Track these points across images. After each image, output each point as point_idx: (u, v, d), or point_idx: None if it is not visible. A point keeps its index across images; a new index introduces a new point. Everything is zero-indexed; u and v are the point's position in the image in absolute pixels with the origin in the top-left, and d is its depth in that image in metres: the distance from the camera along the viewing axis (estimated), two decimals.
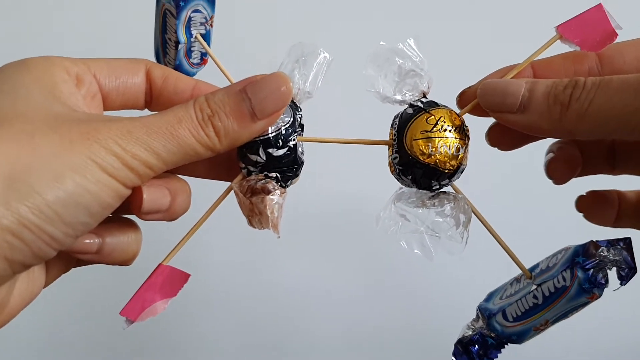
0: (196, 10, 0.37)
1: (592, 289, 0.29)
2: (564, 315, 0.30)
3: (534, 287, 0.31)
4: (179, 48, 0.38)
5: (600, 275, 0.29)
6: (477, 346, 0.33)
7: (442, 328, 0.66)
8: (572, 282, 0.29)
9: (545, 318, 0.31)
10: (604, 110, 0.28)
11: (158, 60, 0.41)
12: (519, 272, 0.34)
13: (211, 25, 0.39)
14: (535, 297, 0.31)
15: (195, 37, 0.39)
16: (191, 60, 0.40)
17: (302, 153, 0.34)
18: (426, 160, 0.32)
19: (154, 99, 0.35)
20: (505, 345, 0.33)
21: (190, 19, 0.37)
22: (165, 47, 0.39)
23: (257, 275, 0.67)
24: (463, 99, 0.35)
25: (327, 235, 0.67)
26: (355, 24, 0.66)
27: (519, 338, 0.32)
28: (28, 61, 0.30)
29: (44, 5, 0.66)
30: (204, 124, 0.29)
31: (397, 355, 0.68)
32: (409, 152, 0.33)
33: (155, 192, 0.30)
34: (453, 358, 0.35)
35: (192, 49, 0.39)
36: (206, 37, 0.39)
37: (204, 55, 0.41)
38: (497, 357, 0.34)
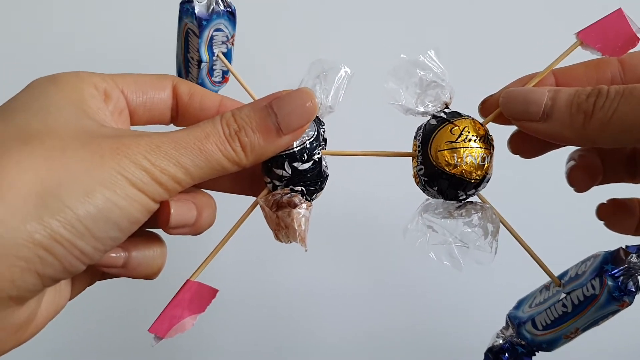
0: (218, 29, 0.38)
1: (622, 296, 0.29)
2: (595, 323, 0.30)
3: (563, 295, 0.31)
4: (201, 67, 0.39)
5: (631, 282, 0.29)
6: (507, 354, 0.33)
7: (447, 329, 0.68)
8: (601, 291, 0.29)
9: (575, 326, 0.30)
10: (628, 119, 0.28)
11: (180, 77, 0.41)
12: (546, 279, 0.34)
13: (232, 44, 0.40)
14: (564, 305, 0.31)
15: (217, 55, 0.39)
16: (213, 78, 0.41)
17: (326, 167, 0.34)
18: (452, 171, 0.32)
19: (180, 115, 0.35)
20: (536, 353, 0.32)
21: (212, 37, 0.38)
22: (188, 65, 0.40)
23: (260, 276, 0.67)
24: (485, 107, 0.35)
25: (331, 236, 0.67)
26: (368, 33, 0.66)
27: (550, 346, 0.32)
28: (57, 77, 0.30)
29: (43, 6, 0.67)
30: (231, 139, 0.29)
31: (401, 356, 0.68)
32: (435, 163, 0.32)
33: (182, 206, 0.31)
34: None
35: (214, 67, 0.40)
36: (228, 55, 0.40)
37: (225, 74, 0.42)
38: None
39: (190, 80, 0.40)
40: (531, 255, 0.32)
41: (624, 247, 0.31)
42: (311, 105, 0.31)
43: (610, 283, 0.29)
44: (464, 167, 0.32)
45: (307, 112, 0.31)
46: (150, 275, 0.33)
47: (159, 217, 0.30)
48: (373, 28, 0.67)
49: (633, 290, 0.29)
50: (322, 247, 0.67)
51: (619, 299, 0.29)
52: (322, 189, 0.34)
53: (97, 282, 0.34)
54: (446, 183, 0.33)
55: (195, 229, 0.32)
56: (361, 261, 0.68)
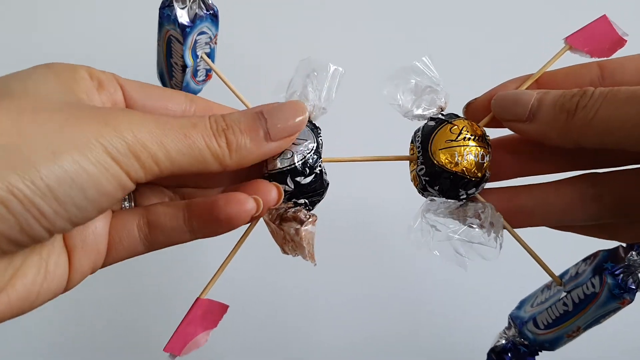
0: (202, 32, 0.37)
1: (622, 294, 0.29)
2: (596, 321, 0.30)
3: (564, 294, 0.31)
4: (186, 71, 0.37)
5: (631, 280, 0.29)
6: (510, 354, 0.34)
7: (447, 332, 0.68)
8: (601, 289, 0.29)
9: (577, 325, 0.31)
10: (610, 121, 0.28)
11: (163, 83, 0.40)
12: (548, 279, 0.34)
13: (215, 43, 0.39)
14: (565, 304, 0.31)
15: (201, 56, 0.38)
16: (197, 78, 0.40)
17: (326, 174, 0.35)
18: (453, 169, 0.33)
19: None
20: (539, 353, 0.33)
21: (196, 42, 0.37)
22: (171, 70, 0.38)
23: (259, 280, 0.67)
24: (470, 110, 0.36)
25: (330, 240, 0.66)
26: (355, 34, 0.65)
27: (552, 345, 0.32)
28: (52, 63, 0.30)
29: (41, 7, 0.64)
30: (217, 134, 0.29)
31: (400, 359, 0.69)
32: (436, 162, 0.33)
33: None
34: None
35: (197, 68, 0.39)
36: (210, 55, 0.39)
37: (208, 71, 0.40)
38: None
39: (174, 85, 0.39)
40: (531, 255, 0.33)
41: (624, 245, 0.31)
42: (302, 119, 0.31)
43: (609, 281, 0.29)
44: (465, 164, 0.33)
45: (297, 123, 0.31)
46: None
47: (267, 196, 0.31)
48: (364, 30, 0.65)
49: (633, 287, 0.29)
50: (321, 251, 0.67)
51: (619, 297, 0.29)
52: (323, 197, 0.34)
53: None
54: (447, 182, 0.33)
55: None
56: (360, 265, 0.68)
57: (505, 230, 0.34)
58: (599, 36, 0.33)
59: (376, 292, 0.68)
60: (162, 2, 0.36)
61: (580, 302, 0.31)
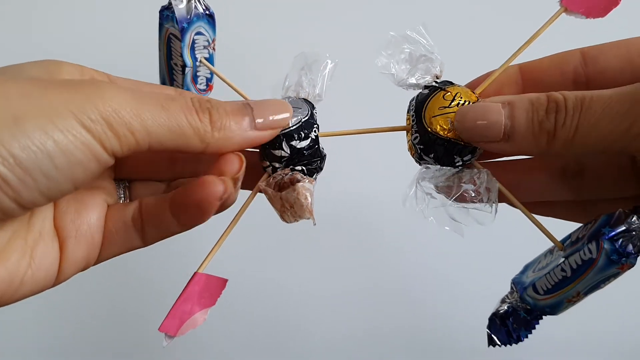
0: (198, 33, 0.38)
1: (620, 259, 0.28)
2: (596, 286, 0.29)
3: (562, 259, 0.30)
4: (186, 72, 0.39)
5: (630, 245, 0.28)
6: (511, 319, 0.32)
7: (443, 328, 0.67)
8: (598, 254, 0.28)
9: (577, 290, 0.30)
10: (591, 136, 0.28)
11: None
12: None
13: (214, 49, 0.40)
14: (563, 270, 0.30)
15: (200, 60, 0.39)
16: (198, 86, 0.41)
17: (323, 148, 0.34)
18: (447, 135, 0.32)
19: None
20: (542, 317, 0.32)
21: (194, 41, 0.38)
22: (172, 73, 0.40)
23: (254, 276, 0.66)
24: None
25: (327, 237, 0.67)
26: (355, 15, 0.67)
27: (553, 310, 0.31)
28: (46, 60, 0.30)
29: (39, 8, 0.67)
30: (200, 111, 0.29)
31: (398, 355, 0.68)
32: (429, 129, 0.33)
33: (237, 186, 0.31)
34: (488, 331, 0.34)
35: (197, 74, 0.40)
36: (210, 60, 0.40)
37: (209, 81, 0.42)
38: (534, 328, 0.33)
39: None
40: (531, 219, 0.32)
41: (623, 209, 0.30)
42: (287, 116, 0.32)
43: (607, 246, 0.28)
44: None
45: (282, 119, 0.32)
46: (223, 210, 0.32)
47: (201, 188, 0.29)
48: (360, 13, 0.67)
49: (632, 252, 0.28)
50: (318, 248, 0.67)
51: (617, 262, 0.28)
52: (321, 168, 0.34)
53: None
54: (442, 149, 0.33)
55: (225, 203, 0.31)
56: (357, 260, 0.68)
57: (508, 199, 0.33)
58: None
59: (372, 287, 0.67)
60: (162, 6, 0.38)
61: (578, 268, 0.29)
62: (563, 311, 0.32)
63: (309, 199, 0.30)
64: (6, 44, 0.65)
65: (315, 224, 0.31)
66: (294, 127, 0.32)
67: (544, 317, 0.33)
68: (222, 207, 0.31)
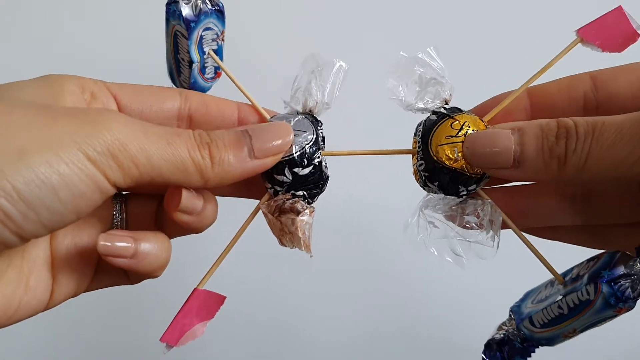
0: (207, 29, 0.37)
1: (617, 303, 0.28)
2: (593, 325, 0.30)
3: (560, 297, 0.30)
4: (192, 67, 0.38)
5: (630, 290, 0.28)
6: (507, 347, 0.33)
7: (442, 332, 0.68)
8: (596, 297, 0.28)
9: (573, 327, 0.30)
10: (604, 163, 0.28)
11: (172, 80, 0.41)
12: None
13: (222, 40, 0.39)
14: (560, 307, 0.30)
15: (208, 53, 0.38)
16: (205, 76, 0.40)
17: (326, 167, 0.34)
18: (453, 165, 0.32)
19: (195, 126, 0.34)
20: (536, 348, 0.33)
21: (201, 37, 0.37)
22: (179, 66, 0.39)
23: (254, 280, 0.67)
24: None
25: (329, 239, 0.66)
26: (363, 33, 0.65)
27: (549, 342, 0.31)
28: (49, 75, 0.29)
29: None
30: (201, 146, 0.29)
31: (397, 357, 0.69)
32: (435, 157, 0.32)
33: (191, 194, 0.30)
34: (483, 356, 0.35)
35: (205, 65, 0.39)
36: (218, 52, 0.39)
37: (217, 69, 0.41)
38: (529, 356, 0.34)
39: (182, 82, 0.40)
40: (533, 252, 0.32)
41: (626, 252, 0.30)
42: (287, 141, 0.31)
43: (605, 290, 0.28)
44: (464, 161, 0.32)
45: (282, 144, 0.31)
46: (155, 271, 0.31)
47: (169, 200, 0.30)
48: (370, 24, 0.65)
49: (631, 297, 0.28)
50: (318, 251, 0.68)
51: (614, 306, 0.28)
52: (323, 190, 0.34)
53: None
54: (447, 178, 0.33)
55: (200, 219, 0.31)
56: (358, 263, 0.68)
57: (507, 230, 0.34)
58: (612, 29, 0.32)
59: (372, 291, 0.68)
60: (168, 0, 0.37)
61: (575, 307, 0.29)
62: (559, 343, 0.32)
63: (307, 234, 0.31)
64: (6, 41, 0.64)
65: (311, 256, 0.31)
66: (297, 153, 0.32)
67: (537, 349, 0.33)
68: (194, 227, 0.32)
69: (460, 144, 0.32)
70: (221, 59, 0.40)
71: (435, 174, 0.33)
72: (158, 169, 0.27)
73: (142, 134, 0.26)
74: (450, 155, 0.32)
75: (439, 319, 0.68)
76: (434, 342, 0.68)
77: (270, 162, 0.31)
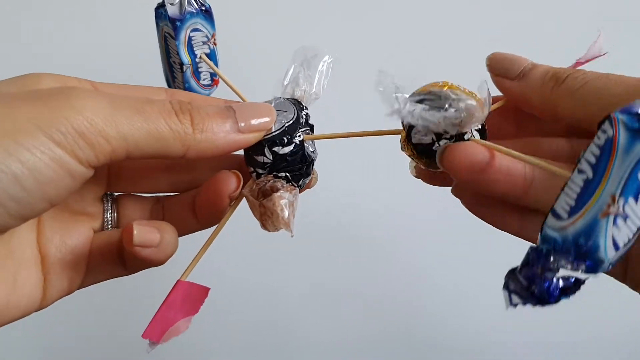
0: (195, 29, 0.38)
1: None
2: (633, 178, 0.21)
3: (576, 166, 0.23)
4: (184, 70, 0.38)
5: None
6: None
7: (436, 333, 0.67)
8: (615, 131, 0.21)
9: (609, 192, 0.22)
10: (594, 92, 0.29)
11: (169, 86, 0.41)
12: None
13: (215, 44, 0.39)
14: (580, 171, 0.23)
15: (200, 56, 0.39)
16: (201, 82, 0.40)
17: (313, 152, 0.33)
18: (438, 87, 0.30)
19: None
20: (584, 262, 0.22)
21: (190, 38, 0.38)
22: (173, 71, 0.39)
23: (246, 281, 0.66)
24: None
25: (324, 241, 0.67)
26: (355, 28, 0.65)
27: (588, 238, 0.22)
28: (24, 74, 0.29)
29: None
30: (180, 113, 0.27)
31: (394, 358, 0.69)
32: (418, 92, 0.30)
33: (144, 227, 0.29)
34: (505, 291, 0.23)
35: (199, 69, 0.39)
36: (211, 56, 0.39)
37: (213, 76, 0.41)
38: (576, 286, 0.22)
39: (177, 86, 0.40)
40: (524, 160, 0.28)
41: None
42: (271, 119, 0.31)
43: (622, 117, 0.21)
44: (449, 86, 0.30)
45: (265, 122, 0.30)
46: (166, 259, 0.31)
47: (124, 236, 0.29)
48: (360, 22, 0.65)
49: None
50: (314, 249, 0.67)
51: None
52: (308, 174, 0.33)
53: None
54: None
55: (159, 250, 0.30)
56: (355, 264, 0.67)
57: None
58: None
59: (366, 292, 0.68)
60: (158, 4, 0.37)
61: (599, 161, 0.22)
62: (602, 237, 0.22)
63: (286, 211, 0.29)
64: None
65: (292, 236, 0.29)
66: (277, 132, 0.31)
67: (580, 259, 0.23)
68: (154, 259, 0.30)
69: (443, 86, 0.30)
70: (216, 64, 0.40)
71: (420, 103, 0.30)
72: (133, 141, 0.26)
73: (109, 105, 0.25)
74: (434, 86, 0.30)
75: (436, 320, 0.67)
76: (431, 344, 0.67)
77: (253, 138, 0.30)
